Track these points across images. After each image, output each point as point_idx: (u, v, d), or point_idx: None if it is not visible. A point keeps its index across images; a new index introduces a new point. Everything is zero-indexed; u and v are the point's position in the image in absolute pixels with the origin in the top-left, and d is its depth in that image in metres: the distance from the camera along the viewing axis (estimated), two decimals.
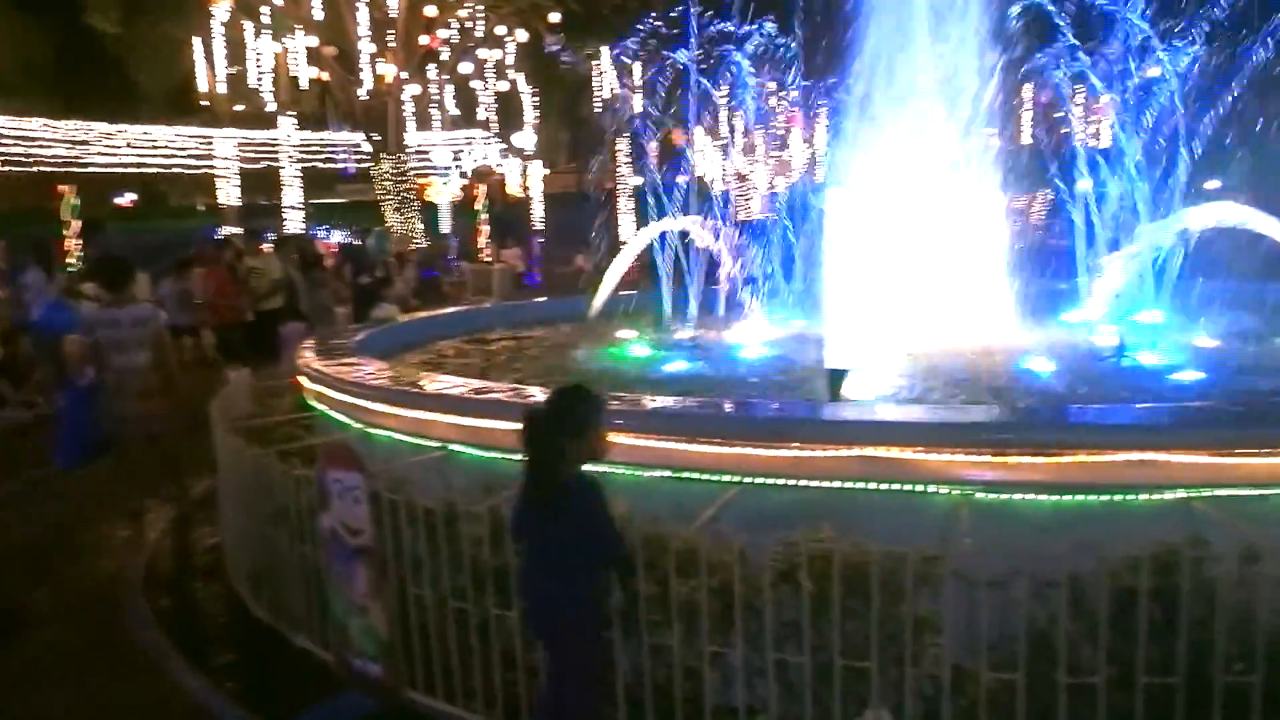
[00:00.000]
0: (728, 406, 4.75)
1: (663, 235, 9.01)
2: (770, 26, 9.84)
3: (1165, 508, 3.58)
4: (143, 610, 5.54)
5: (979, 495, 3.79)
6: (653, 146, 11.97)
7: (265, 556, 5.07)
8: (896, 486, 3.91)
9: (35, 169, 24.66)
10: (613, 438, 4.30)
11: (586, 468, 3.51)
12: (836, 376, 5.46)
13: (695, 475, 4.20)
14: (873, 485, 3.93)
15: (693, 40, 10.01)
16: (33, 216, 23.80)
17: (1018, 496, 3.77)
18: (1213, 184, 10.53)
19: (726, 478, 4.14)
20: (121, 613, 5.53)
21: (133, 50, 31.50)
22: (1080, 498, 3.71)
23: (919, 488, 3.88)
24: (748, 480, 4.11)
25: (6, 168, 23.66)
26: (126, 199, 35.96)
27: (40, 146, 24.84)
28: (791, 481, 4.05)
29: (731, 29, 9.80)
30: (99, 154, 26.17)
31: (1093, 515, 3.68)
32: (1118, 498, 3.68)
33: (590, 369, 6.88)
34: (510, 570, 3.86)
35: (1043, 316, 7.64)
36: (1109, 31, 8.37)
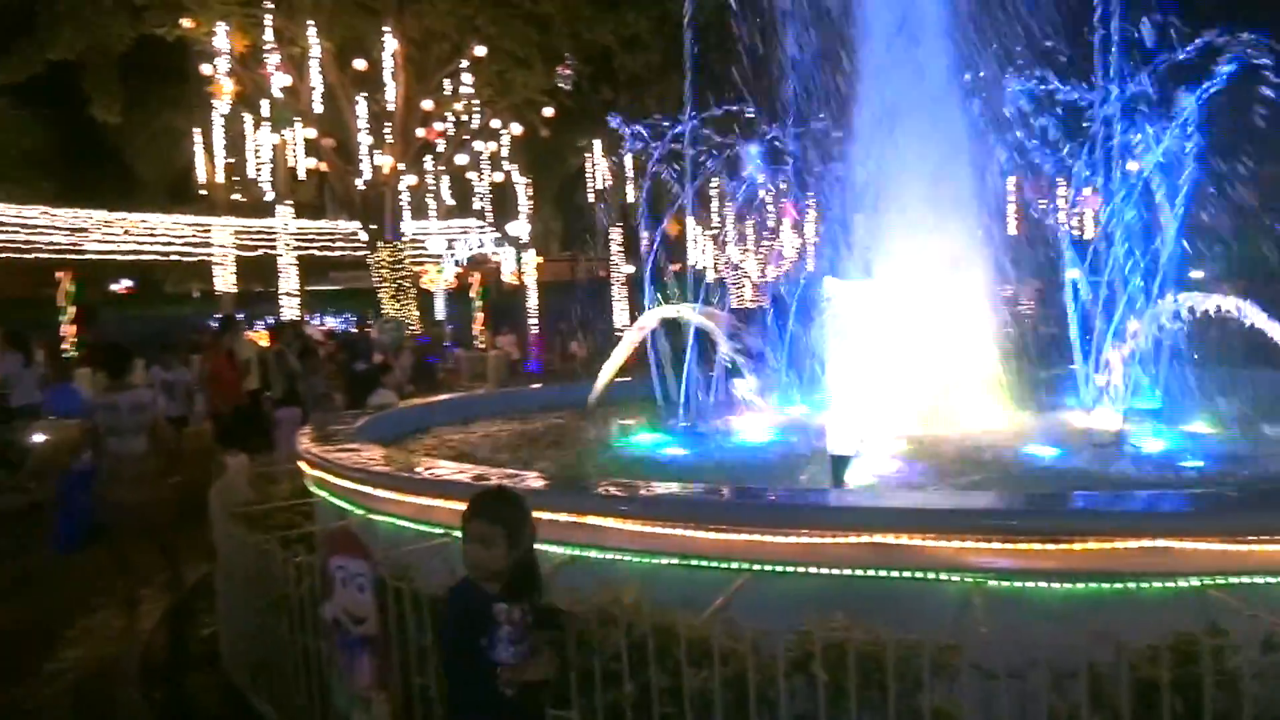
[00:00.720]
0: (735, 493, 4.74)
1: (661, 322, 9.09)
2: (763, 121, 10.11)
3: (1180, 596, 3.57)
4: (136, 702, 5.40)
5: (991, 583, 3.77)
6: (645, 236, 12.17)
7: (265, 646, 4.97)
8: (907, 574, 3.89)
9: (34, 256, 24.86)
10: (619, 524, 4.32)
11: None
12: (840, 462, 5.47)
13: (703, 562, 4.17)
14: (883, 573, 3.92)
15: (686, 133, 10.27)
16: (31, 303, 23.94)
17: (1030, 584, 3.75)
18: (1197, 274, 10.74)
19: (735, 565, 4.11)
20: (114, 705, 5.39)
21: (132, 140, 32.09)
22: (1094, 585, 3.69)
23: (930, 575, 3.86)
24: (757, 567, 4.08)
25: (6, 254, 23.86)
26: (124, 286, 36.19)
27: (39, 234, 25.10)
28: (801, 569, 4.03)
29: (730, 118, 10.06)
30: (97, 241, 26.45)
31: (1107, 604, 3.66)
32: (1131, 585, 3.66)
33: (592, 455, 6.87)
34: None
35: (1039, 404, 7.70)
36: (1096, 124, 8.62)
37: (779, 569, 4.04)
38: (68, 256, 25.24)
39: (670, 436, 7.37)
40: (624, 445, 7.27)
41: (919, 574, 3.86)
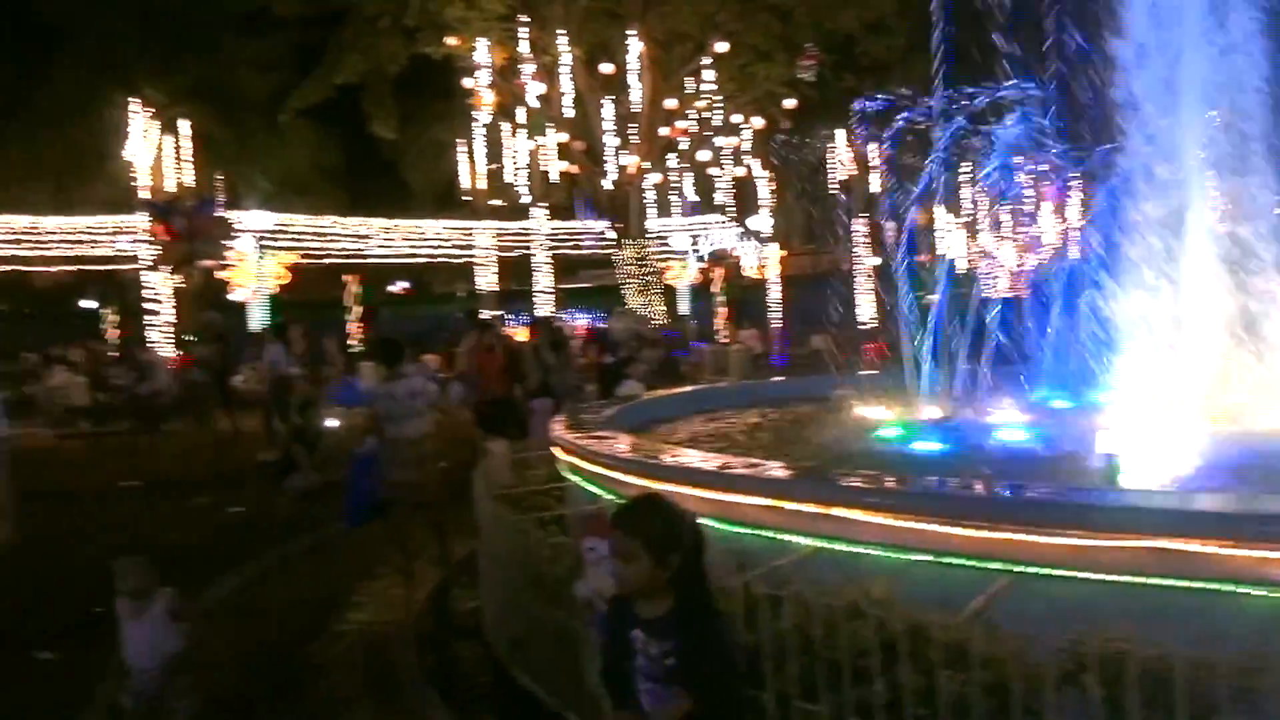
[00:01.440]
0: (994, 487, 4.46)
1: (911, 314, 8.72)
2: (1023, 95, 9.43)
3: None
4: (411, 665, 5.87)
5: None
6: (890, 226, 11.72)
7: (523, 621, 5.24)
8: (1196, 585, 3.49)
9: (326, 261, 27.75)
10: (868, 517, 4.18)
11: None
12: (1113, 460, 5.03)
13: (958, 561, 3.96)
14: (1167, 582, 3.54)
15: (936, 117, 9.78)
16: (322, 304, 26.75)
17: None
18: None
19: (994, 565, 3.87)
20: (394, 666, 5.88)
21: (405, 153, 34.92)
22: None
23: (1224, 587, 3.45)
24: (1018, 569, 3.82)
25: (305, 260, 26.79)
26: (399, 287, 39.49)
27: (330, 241, 27.93)
28: (1069, 574, 3.73)
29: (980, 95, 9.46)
30: (378, 247, 29.04)
31: None
32: None
33: (839, 447, 6.72)
34: (761, 646, 3.78)
35: None
36: None
37: (1044, 572, 3.76)
38: (352, 261, 27.98)
39: (924, 430, 7.06)
40: (874, 438, 7.06)
41: (1210, 585, 3.46)
